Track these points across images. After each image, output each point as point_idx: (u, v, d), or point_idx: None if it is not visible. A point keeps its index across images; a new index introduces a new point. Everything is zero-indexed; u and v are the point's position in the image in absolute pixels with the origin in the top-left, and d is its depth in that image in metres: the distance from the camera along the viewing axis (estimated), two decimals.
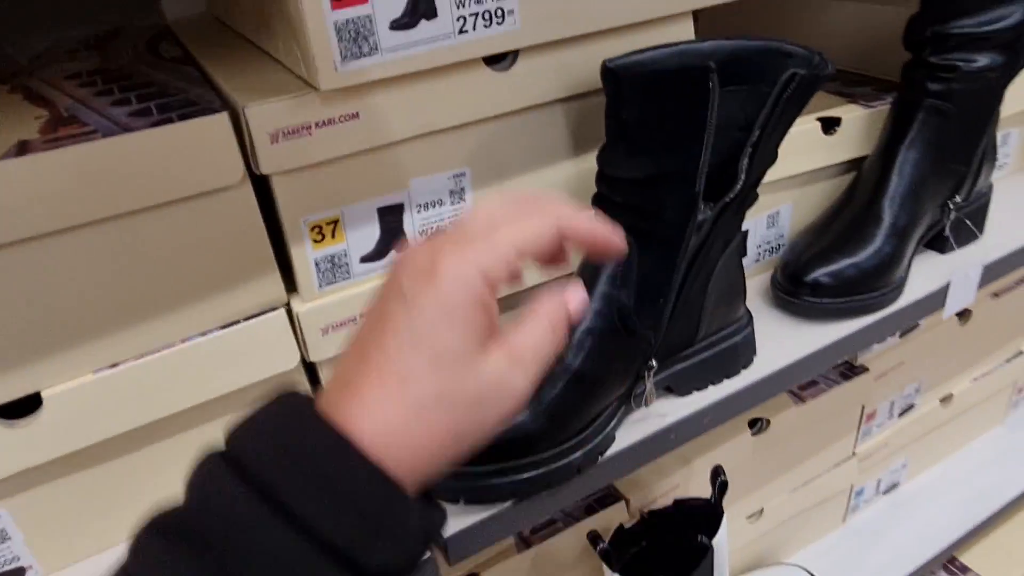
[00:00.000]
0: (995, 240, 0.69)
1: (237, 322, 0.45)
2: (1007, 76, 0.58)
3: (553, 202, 0.31)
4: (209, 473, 0.26)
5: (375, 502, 0.25)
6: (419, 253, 0.29)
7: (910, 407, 0.91)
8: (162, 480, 0.47)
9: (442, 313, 0.27)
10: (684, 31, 0.51)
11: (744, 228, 0.62)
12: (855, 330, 0.59)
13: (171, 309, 0.43)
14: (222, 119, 0.39)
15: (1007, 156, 0.78)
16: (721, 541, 0.64)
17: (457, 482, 0.45)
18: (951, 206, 0.63)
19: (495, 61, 0.45)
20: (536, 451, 0.45)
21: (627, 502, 0.69)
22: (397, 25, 0.40)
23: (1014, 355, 0.99)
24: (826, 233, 0.62)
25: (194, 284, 0.43)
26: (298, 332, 0.47)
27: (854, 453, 0.88)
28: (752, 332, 0.56)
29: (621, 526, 0.66)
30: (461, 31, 0.42)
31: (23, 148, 0.36)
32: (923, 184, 0.60)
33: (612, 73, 0.43)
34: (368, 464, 0.25)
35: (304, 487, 0.25)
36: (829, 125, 0.64)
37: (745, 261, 0.65)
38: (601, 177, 0.48)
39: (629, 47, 0.48)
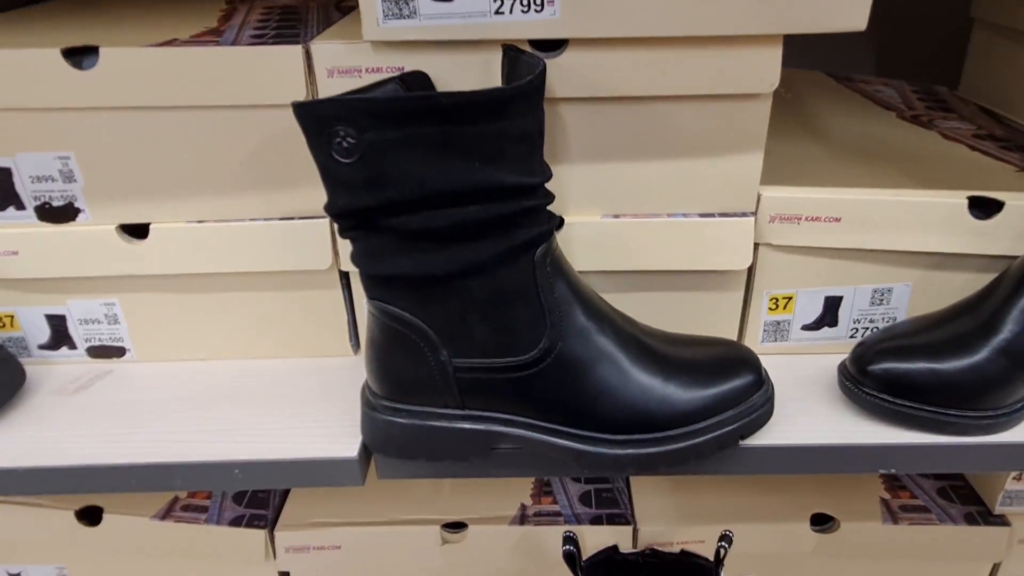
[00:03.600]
0: None
1: (292, 218, 0.55)
2: None
3: None
4: None
5: None
6: None
7: None
8: (227, 319, 0.60)
9: None
10: (769, 59, 0.47)
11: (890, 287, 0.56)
12: (923, 443, 0.50)
13: (242, 191, 0.54)
14: (295, 51, 0.49)
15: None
16: None
17: None
18: None
19: (545, 47, 0.48)
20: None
21: (636, 530, 0.67)
22: None
23: None
24: (927, 328, 0.52)
25: (259, 178, 0.54)
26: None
27: None
28: None
29: (615, 547, 0.65)
30: (497, 11, 0.46)
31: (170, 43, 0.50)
32: None
33: None
34: None
35: None
36: (984, 207, 0.53)
37: (837, 332, 0.58)
38: None
39: (689, 63, 0.47)
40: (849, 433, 0.51)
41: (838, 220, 0.53)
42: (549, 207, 0.47)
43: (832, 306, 0.57)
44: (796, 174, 0.56)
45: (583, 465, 0.48)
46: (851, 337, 0.58)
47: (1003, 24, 0.74)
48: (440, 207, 0.43)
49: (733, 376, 0.49)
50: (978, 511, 0.66)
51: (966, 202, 0.53)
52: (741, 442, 0.50)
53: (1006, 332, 0.49)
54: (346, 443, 0.51)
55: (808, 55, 0.92)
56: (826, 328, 0.58)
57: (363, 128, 0.41)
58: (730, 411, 0.48)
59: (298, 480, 0.51)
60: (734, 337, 0.59)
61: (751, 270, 0.56)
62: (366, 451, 0.52)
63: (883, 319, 0.58)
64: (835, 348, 0.59)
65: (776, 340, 0.59)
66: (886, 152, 0.61)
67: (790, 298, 0.57)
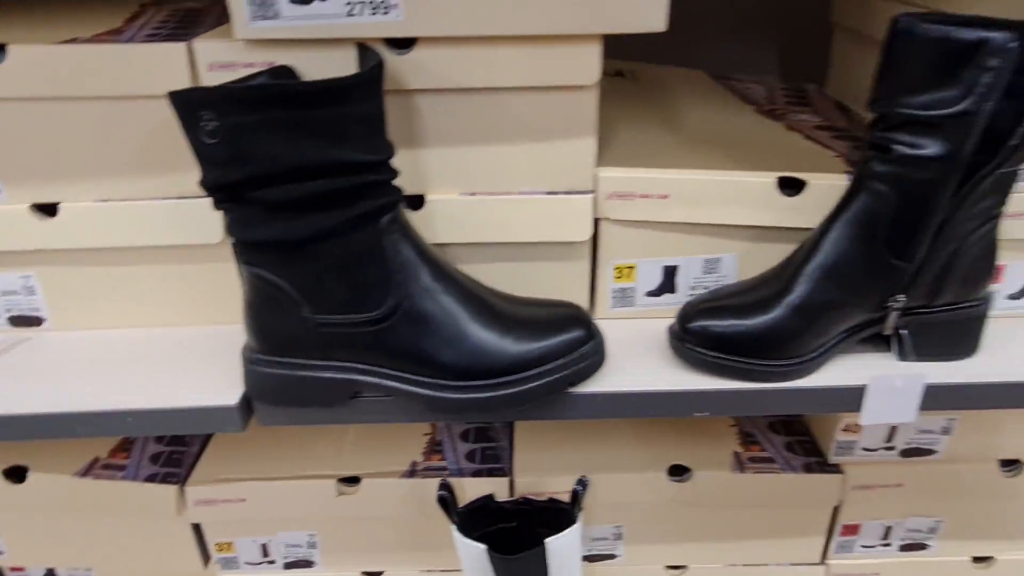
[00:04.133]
0: (978, 368, 0.59)
1: (186, 197, 0.62)
2: (949, 172, 0.50)
3: None
4: None
5: None
6: None
7: (920, 546, 0.79)
8: (133, 290, 0.67)
9: None
10: (589, 54, 0.55)
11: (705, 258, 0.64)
12: (731, 389, 0.58)
13: (141, 173, 0.61)
14: (180, 48, 0.56)
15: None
16: (560, 546, 0.67)
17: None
18: (893, 305, 0.56)
19: (398, 45, 0.55)
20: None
21: (512, 482, 0.74)
22: (295, 0, 0.52)
23: None
24: (739, 291, 0.60)
25: (154, 161, 0.60)
26: None
27: (824, 563, 0.79)
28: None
29: (490, 496, 0.72)
30: (350, 14, 0.53)
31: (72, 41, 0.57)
32: (849, 268, 0.55)
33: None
34: None
35: None
36: (793, 185, 0.61)
37: (677, 298, 0.66)
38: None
39: (519, 58, 0.55)
40: (671, 382, 0.59)
41: (666, 197, 0.61)
42: (397, 181, 0.54)
43: (670, 274, 0.65)
44: (638, 156, 0.64)
45: (432, 409, 0.56)
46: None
47: (855, 28, 0.82)
48: (295, 181, 0.50)
49: (564, 331, 0.56)
50: (817, 461, 0.74)
51: (775, 181, 0.61)
52: (572, 388, 0.57)
53: (798, 292, 0.56)
54: (229, 394, 0.58)
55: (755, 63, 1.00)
56: (667, 294, 0.66)
57: (224, 112, 0.48)
58: (559, 360, 0.56)
59: (185, 427, 0.58)
60: (585, 303, 0.66)
61: (596, 242, 0.64)
62: (248, 402, 0.59)
63: (716, 285, 0.65)
64: (676, 312, 0.66)
65: (624, 306, 0.66)
66: (728, 139, 0.69)
67: (632, 267, 0.65)
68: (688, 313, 0.59)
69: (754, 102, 0.83)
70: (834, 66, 0.89)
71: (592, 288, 0.66)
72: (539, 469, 0.75)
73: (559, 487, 0.74)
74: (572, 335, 0.56)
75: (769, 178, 0.61)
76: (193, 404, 0.57)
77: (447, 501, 0.68)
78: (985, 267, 0.57)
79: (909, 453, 0.73)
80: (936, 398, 0.58)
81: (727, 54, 1.02)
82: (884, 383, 0.57)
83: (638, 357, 0.62)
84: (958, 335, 0.59)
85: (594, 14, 0.53)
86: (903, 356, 0.59)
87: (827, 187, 0.60)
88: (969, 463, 0.74)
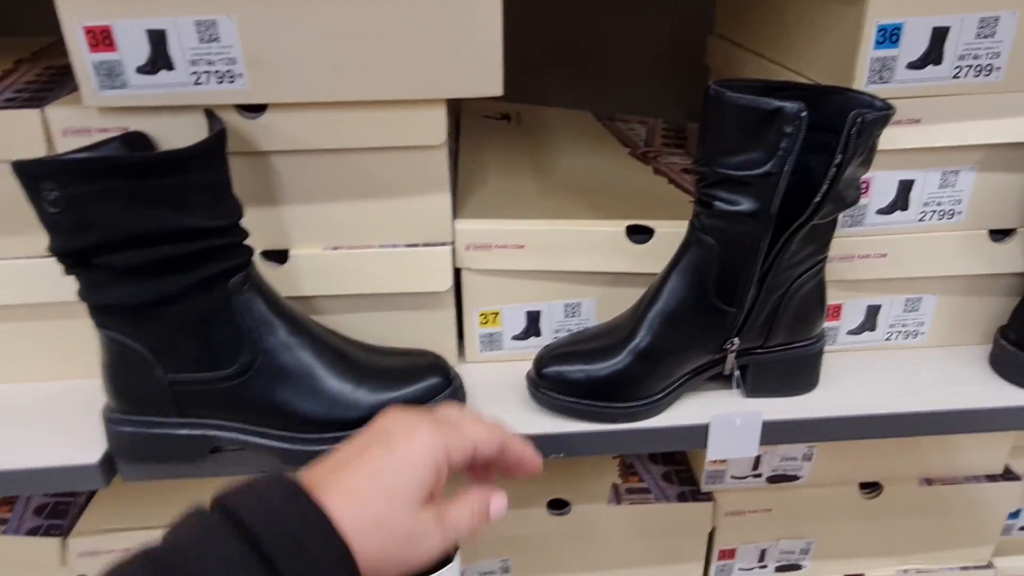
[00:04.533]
0: (815, 403, 0.63)
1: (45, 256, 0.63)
2: (762, 226, 0.54)
3: (500, 425, 0.42)
4: (200, 521, 0.34)
5: (338, 570, 0.33)
6: (407, 416, 0.39)
7: (795, 567, 0.82)
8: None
9: (408, 464, 0.37)
10: (434, 117, 0.57)
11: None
12: (585, 431, 0.60)
13: (2, 233, 0.62)
14: (34, 114, 0.57)
15: (920, 324, 0.69)
16: None
17: None
18: (729, 347, 0.60)
19: (251, 109, 0.57)
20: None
21: None
22: (142, 70, 0.54)
23: (975, 566, 0.83)
24: (590, 337, 0.63)
25: (13, 223, 0.61)
26: None
27: None
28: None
29: None
30: (196, 83, 0.55)
31: None
32: (685, 315, 0.58)
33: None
34: (340, 541, 0.33)
35: (287, 549, 0.31)
36: (642, 232, 0.64)
37: (543, 341, 0.68)
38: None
39: (368, 121, 0.57)
40: (529, 425, 0.61)
41: (522, 247, 0.64)
42: (255, 238, 0.56)
43: (534, 319, 0.68)
44: (498, 206, 0.67)
45: (286, 460, 0.57)
46: None
47: (723, 73, 0.87)
48: (139, 247, 0.51)
49: (420, 379, 0.59)
50: (691, 490, 0.78)
51: (624, 229, 0.64)
52: None
53: (641, 338, 0.59)
54: (91, 451, 0.59)
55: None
56: (533, 338, 0.69)
57: (63, 183, 0.49)
58: None
59: (48, 485, 0.59)
60: (454, 349, 0.68)
61: (459, 291, 0.66)
62: (110, 458, 0.59)
63: (578, 327, 0.68)
64: None
65: (492, 350, 0.69)
66: (592, 186, 0.73)
67: (496, 313, 0.67)
68: (543, 359, 0.62)
69: (630, 144, 0.86)
70: None
71: (460, 334, 0.69)
72: None
73: None
74: (428, 383, 0.59)
75: (619, 227, 0.64)
76: (55, 463, 0.58)
77: None
78: (815, 309, 0.61)
79: (775, 479, 0.77)
80: (776, 433, 0.62)
81: (633, 93, 1.06)
82: (725, 421, 0.60)
83: (500, 401, 0.64)
84: (794, 372, 0.63)
85: (434, 80, 0.55)
86: (745, 393, 0.63)
87: (673, 234, 0.63)
88: (831, 487, 0.78)
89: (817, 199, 0.53)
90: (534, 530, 0.77)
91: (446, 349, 0.67)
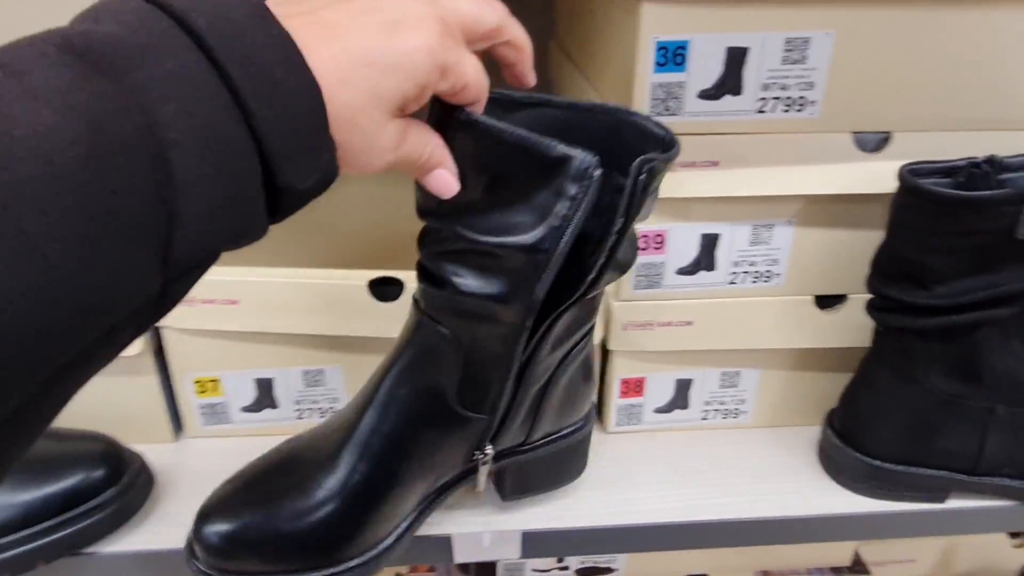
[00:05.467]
0: (594, 506, 0.51)
1: None
2: (519, 315, 0.40)
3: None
4: (137, 17, 0.23)
5: (308, 118, 0.25)
6: None
7: None
8: None
9: (408, 67, 0.28)
10: None
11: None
12: None
13: None
14: None
15: (741, 402, 0.57)
16: None
17: None
18: (480, 458, 0.46)
19: None
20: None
21: None
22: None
23: None
24: (283, 459, 0.45)
25: None
26: None
27: None
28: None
29: None
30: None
31: None
32: (412, 430, 0.44)
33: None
34: (311, 80, 0.25)
35: (254, 77, 0.23)
36: (386, 285, 0.52)
37: (280, 413, 0.55)
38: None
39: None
40: None
41: (236, 302, 0.51)
42: None
43: (266, 387, 0.55)
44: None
45: None
46: (299, 418, 0.56)
47: (562, 90, 0.75)
48: None
49: (74, 471, 0.45)
50: None
51: (366, 283, 0.51)
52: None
53: (348, 469, 0.43)
54: None
55: None
56: (268, 410, 0.55)
57: None
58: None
59: None
60: (165, 423, 0.55)
61: (163, 353, 0.53)
62: None
63: (325, 399, 0.55)
64: (278, 430, 0.55)
65: (218, 423, 0.55)
66: (376, 215, 0.59)
67: (215, 380, 0.54)
68: (206, 509, 0.43)
69: None
70: None
71: (174, 406, 0.55)
72: None
73: None
74: (86, 476, 0.45)
75: (361, 279, 0.51)
76: None
77: None
78: (582, 388, 0.48)
79: (586, 573, 0.65)
80: (542, 544, 0.50)
81: None
82: (470, 541, 0.48)
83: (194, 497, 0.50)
84: (561, 463, 0.50)
85: None
86: (504, 496, 0.50)
87: None
88: None
89: (592, 275, 0.39)
90: None
91: (155, 423, 0.54)
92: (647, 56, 0.43)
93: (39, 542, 0.44)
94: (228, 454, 0.53)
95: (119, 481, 0.46)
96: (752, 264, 0.51)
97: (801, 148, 0.47)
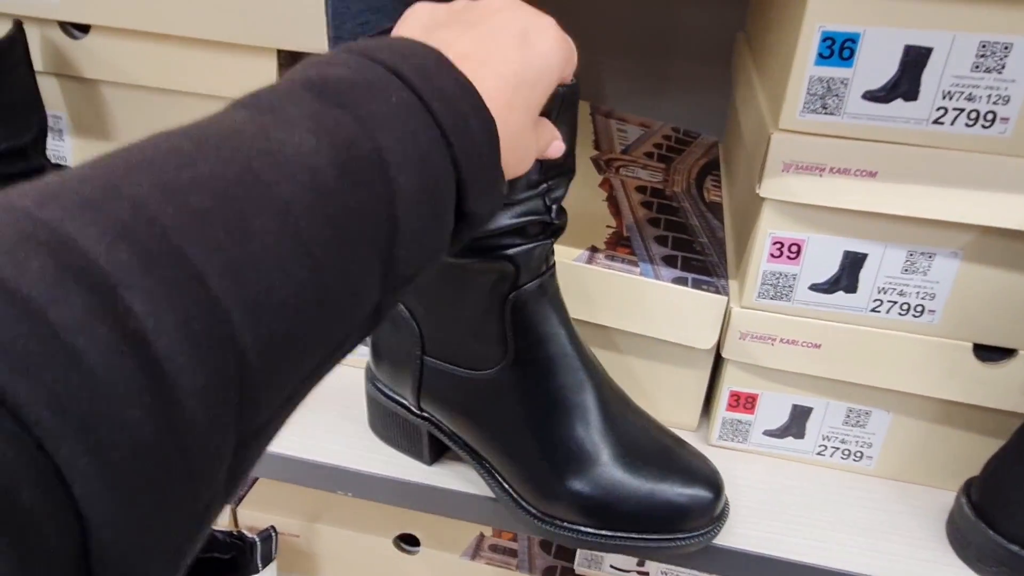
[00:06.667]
0: None
1: None
2: None
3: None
4: (359, 64, 0.26)
5: (489, 151, 0.28)
6: (521, 6, 0.31)
7: None
8: None
9: (548, 73, 0.30)
10: (266, 67, 0.48)
11: None
12: None
13: None
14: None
15: (867, 445, 0.51)
16: None
17: None
18: None
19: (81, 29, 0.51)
20: None
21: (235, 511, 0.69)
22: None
23: None
24: None
25: None
26: None
27: None
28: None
29: None
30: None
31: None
32: None
33: None
34: (489, 116, 0.27)
35: (446, 106, 0.26)
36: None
37: None
38: None
39: (194, 62, 0.49)
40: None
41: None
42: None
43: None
44: None
45: None
46: None
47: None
48: None
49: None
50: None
51: None
52: None
53: None
54: None
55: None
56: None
57: None
58: None
59: None
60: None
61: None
62: None
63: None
64: None
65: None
66: None
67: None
68: None
69: (605, 146, 0.73)
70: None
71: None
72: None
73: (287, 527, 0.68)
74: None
75: None
76: None
77: None
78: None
79: None
80: None
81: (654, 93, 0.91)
82: None
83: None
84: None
85: (269, 32, 0.47)
86: None
87: None
88: None
89: None
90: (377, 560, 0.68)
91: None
92: (810, 46, 0.40)
93: None
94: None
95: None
96: (902, 294, 0.46)
97: (981, 170, 0.41)
